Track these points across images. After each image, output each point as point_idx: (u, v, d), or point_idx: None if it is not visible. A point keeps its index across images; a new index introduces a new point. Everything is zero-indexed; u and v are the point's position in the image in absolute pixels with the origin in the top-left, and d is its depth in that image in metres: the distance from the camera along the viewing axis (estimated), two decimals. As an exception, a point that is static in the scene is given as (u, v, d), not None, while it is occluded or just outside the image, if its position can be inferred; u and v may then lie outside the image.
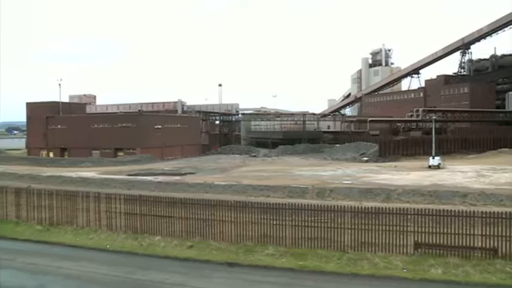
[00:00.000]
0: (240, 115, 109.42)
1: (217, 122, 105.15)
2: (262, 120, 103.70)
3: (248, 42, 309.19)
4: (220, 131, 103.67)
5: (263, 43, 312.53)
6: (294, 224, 21.43)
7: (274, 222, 21.82)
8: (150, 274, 18.63)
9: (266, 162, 58.47)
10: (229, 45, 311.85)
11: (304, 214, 21.66)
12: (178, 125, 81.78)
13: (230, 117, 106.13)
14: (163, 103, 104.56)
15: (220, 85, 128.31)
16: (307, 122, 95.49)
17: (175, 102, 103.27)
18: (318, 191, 32.08)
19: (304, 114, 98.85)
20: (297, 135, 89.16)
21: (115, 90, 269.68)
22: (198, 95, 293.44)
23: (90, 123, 76.64)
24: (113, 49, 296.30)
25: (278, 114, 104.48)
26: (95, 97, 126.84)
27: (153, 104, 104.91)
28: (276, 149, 79.92)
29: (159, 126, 75.88)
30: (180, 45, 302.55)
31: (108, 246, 23.03)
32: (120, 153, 72.37)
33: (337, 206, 22.01)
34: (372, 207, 21.92)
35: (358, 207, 22.16)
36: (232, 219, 22.58)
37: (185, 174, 45.99)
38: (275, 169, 47.43)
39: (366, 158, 62.74)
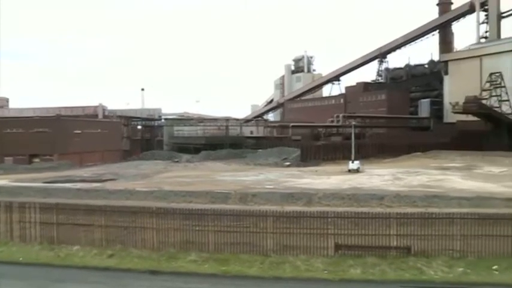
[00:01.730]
0: (162, 120, 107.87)
1: (139, 127, 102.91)
2: (185, 126, 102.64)
3: (170, 46, 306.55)
4: (142, 136, 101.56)
5: (185, 47, 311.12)
6: (216, 229, 21.42)
7: (197, 228, 21.71)
8: (67, 286, 17.90)
9: (188, 168, 57.79)
10: (150, 48, 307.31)
11: (226, 219, 21.71)
12: (99, 130, 79.07)
13: (152, 122, 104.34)
14: (83, 107, 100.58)
15: (142, 89, 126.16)
16: (230, 127, 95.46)
17: (96, 107, 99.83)
18: (241, 196, 32.12)
19: (227, 119, 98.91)
20: (220, 141, 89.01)
21: (32, 93, 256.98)
22: (120, 99, 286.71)
23: (1, 128, 72.28)
24: (31, 50, 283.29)
25: (201, 120, 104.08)
26: (7, 100, 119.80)
27: (72, 108, 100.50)
28: (199, 154, 79.25)
29: (79, 131, 72.90)
30: (101, 47, 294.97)
31: (21, 259, 21.83)
32: (36, 160, 68.64)
33: (260, 210, 22.24)
34: (293, 211, 22.31)
35: (280, 211, 22.47)
36: (154, 226, 22.21)
37: (106, 180, 44.44)
38: (197, 174, 47.05)
39: (288, 163, 63.67)
